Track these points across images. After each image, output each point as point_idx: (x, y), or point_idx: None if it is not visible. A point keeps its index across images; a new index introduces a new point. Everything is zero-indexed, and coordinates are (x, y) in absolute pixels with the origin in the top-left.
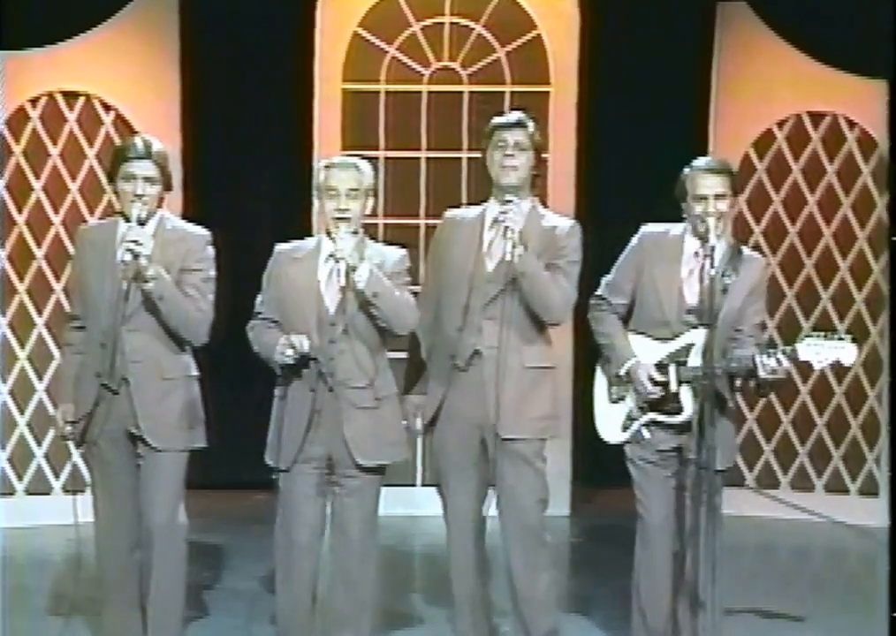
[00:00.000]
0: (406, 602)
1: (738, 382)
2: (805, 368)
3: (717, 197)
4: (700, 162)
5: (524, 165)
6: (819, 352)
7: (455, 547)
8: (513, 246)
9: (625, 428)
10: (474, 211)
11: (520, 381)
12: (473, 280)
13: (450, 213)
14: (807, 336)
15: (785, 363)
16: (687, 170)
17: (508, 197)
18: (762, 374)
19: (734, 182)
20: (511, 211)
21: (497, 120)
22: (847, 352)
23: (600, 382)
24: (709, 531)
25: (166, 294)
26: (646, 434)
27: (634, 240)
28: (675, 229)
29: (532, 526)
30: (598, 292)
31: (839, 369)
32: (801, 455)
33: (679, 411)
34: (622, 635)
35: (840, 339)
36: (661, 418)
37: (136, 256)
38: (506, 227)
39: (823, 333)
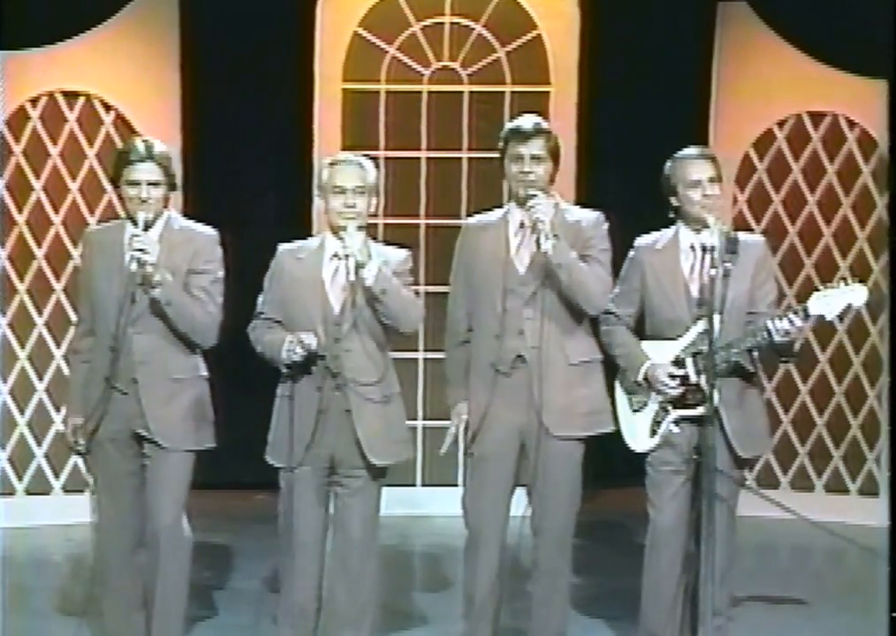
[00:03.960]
0: (407, 602)
1: (757, 357)
2: (806, 368)
3: (710, 180)
4: (683, 152)
5: (541, 176)
6: (829, 302)
7: (484, 552)
8: (546, 238)
9: (653, 433)
10: (494, 215)
11: (566, 378)
12: (506, 284)
13: (471, 220)
14: (814, 291)
15: (798, 322)
16: (669, 163)
17: (532, 192)
18: (776, 338)
19: (720, 169)
20: (538, 204)
21: (511, 128)
22: (857, 294)
23: (620, 395)
24: (712, 532)
25: (173, 300)
26: (676, 429)
27: (631, 253)
28: (666, 232)
29: (566, 529)
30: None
31: (838, 368)
32: (801, 455)
33: (703, 401)
34: (624, 635)
35: (846, 284)
36: (687, 413)
37: (142, 264)
38: (536, 219)
39: (828, 284)
